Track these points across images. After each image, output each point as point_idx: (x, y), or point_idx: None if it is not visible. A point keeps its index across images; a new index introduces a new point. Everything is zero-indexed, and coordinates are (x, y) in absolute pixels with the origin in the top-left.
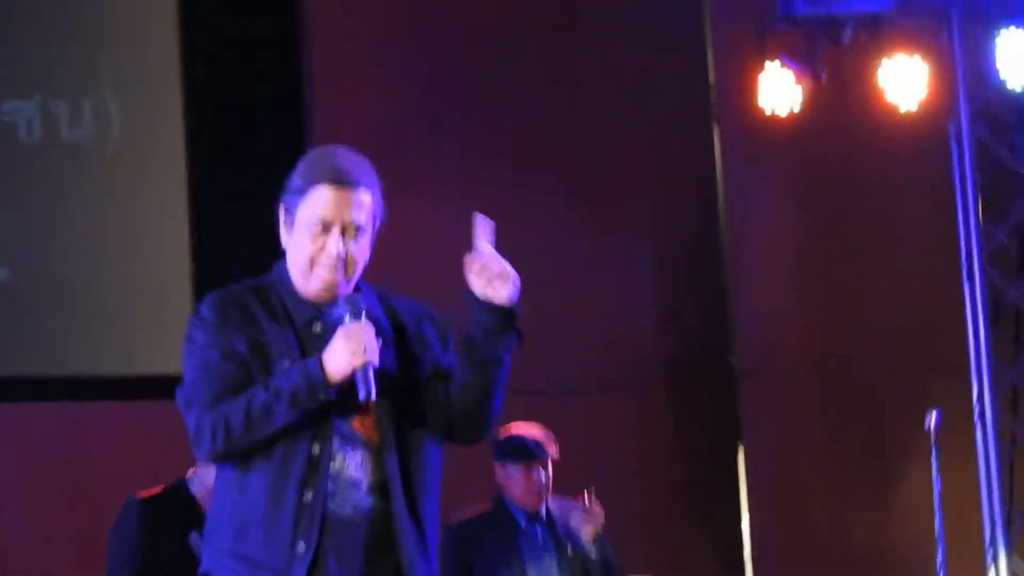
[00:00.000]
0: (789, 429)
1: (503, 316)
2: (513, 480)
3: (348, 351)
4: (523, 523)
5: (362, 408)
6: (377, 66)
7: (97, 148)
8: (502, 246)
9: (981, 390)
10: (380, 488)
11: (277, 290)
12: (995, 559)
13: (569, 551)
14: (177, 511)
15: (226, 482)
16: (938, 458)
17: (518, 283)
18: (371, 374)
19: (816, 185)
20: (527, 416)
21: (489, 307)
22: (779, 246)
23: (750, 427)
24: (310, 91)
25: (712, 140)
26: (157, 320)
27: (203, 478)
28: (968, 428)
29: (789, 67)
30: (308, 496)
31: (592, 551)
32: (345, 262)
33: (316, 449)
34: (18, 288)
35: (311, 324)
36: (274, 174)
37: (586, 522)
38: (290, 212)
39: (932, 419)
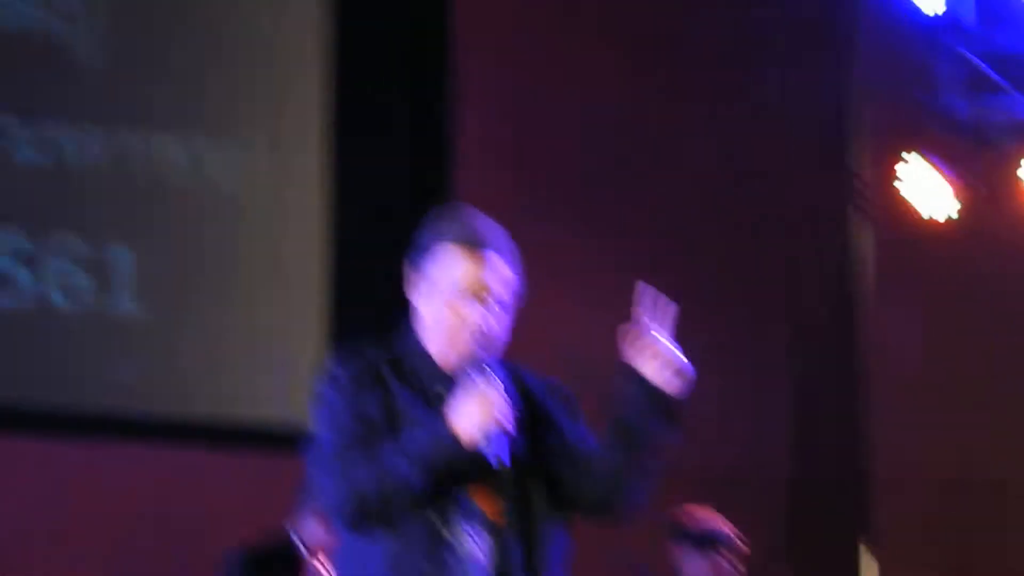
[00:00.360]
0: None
1: (660, 398)
2: (698, 567)
3: (476, 410)
4: None
5: (489, 482)
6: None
7: (240, 192)
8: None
9: None
10: (502, 570)
11: (411, 358)
12: None
13: None
14: (280, 566)
15: (346, 548)
16: None
17: (690, 375)
18: (504, 441)
19: (971, 294)
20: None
21: (645, 384)
22: (918, 353)
23: (878, 544)
24: (453, 153)
25: (853, 242)
26: (281, 374)
27: (305, 533)
28: None
29: (945, 169)
30: (429, 571)
31: None
32: (492, 324)
33: (440, 523)
34: (149, 327)
35: (439, 391)
36: (413, 228)
37: None
38: (423, 271)
39: None
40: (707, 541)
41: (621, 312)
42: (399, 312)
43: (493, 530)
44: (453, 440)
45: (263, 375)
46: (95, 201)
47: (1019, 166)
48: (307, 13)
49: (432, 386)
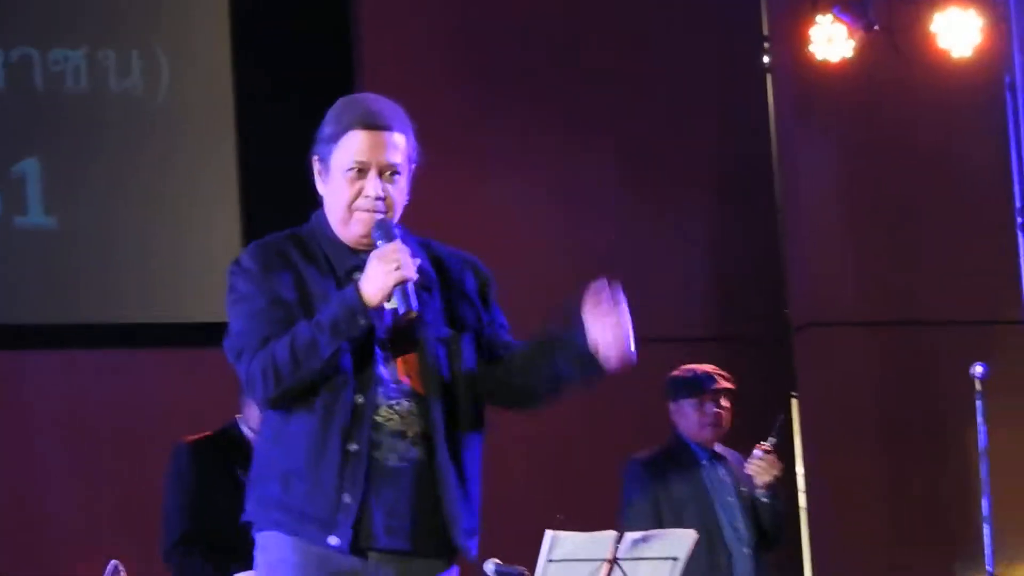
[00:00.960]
0: (843, 383)
1: (593, 365)
2: (687, 415)
3: (383, 270)
4: (704, 460)
5: (406, 350)
6: (430, 27)
7: (146, 98)
8: (559, 210)
9: None
10: (425, 439)
11: (317, 239)
12: None
13: (744, 491)
14: (228, 452)
15: (269, 434)
16: (984, 410)
17: (631, 363)
18: (411, 288)
19: (869, 135)
20: None
21: (585, 347)
22: (832, 197)
23: (804, 382)
24: (359, 41)
25: (766, 92)
26: (206, 268)
27: (251, 419)
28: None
29: (841, 19)
30: (352, 446)
31: (763, 496)
32: (384, 204)
33: (360, 399)
34: (66, 236)
35: (352, 273)
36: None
37: (762, 469)
38: (324, 161)
39: (977, 371)
40: (696, 385)
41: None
42: (314, 206)
43: (413, 397)
44: (359, 299)
45: (181, 276)
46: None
47: (919, 8)
48: None
49: (342, 266)
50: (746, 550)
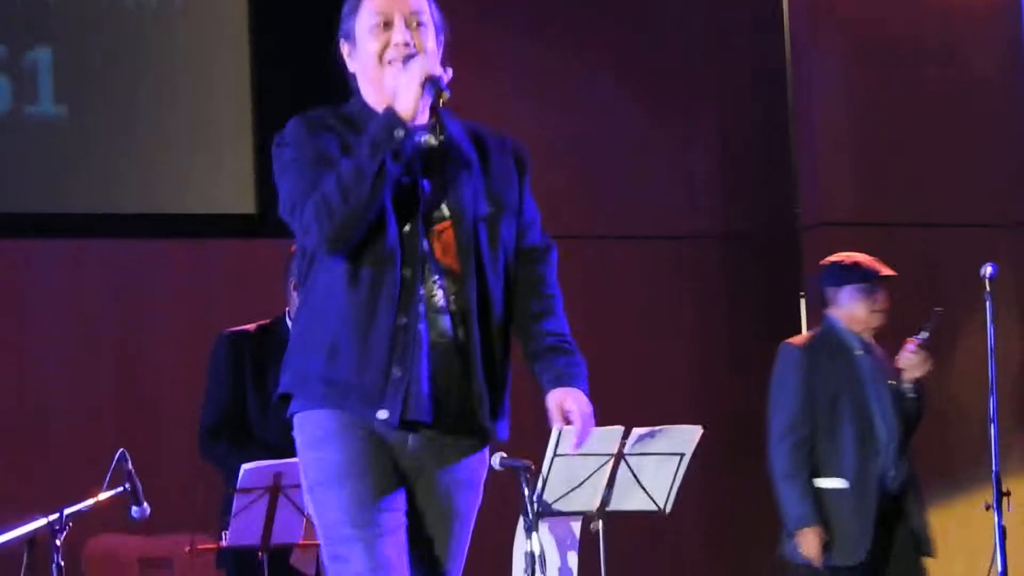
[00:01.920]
0: None
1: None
2: (854, 301)
3: (407, 78)
4: (859, 348)
5: (447, 233)
6: None
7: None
8: (566, 115)
9: None
10: (462, 316)
11: (356, 113)
12: None
13: (892, 383)
14: (266, 347)
15: (309, 308)
16: (992, 309)
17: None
18: (438, 78)
19: (878, 42)
20: (601, 261)
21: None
22: (842, 101)
23: (812, 281)
24: None
25: (781, 8)
26: (213, 162)
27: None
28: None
29: None
30: (403, 320)
31: (909, 390)
32: (415, 48)
33: (407, 272)
34: (75, 126)
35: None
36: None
37: (914, 364)
38: (348, 36)
39: (987, 271)
40: (867, 272)
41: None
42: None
43: (453, 277)
44: (393, 113)
45: (196, 168)
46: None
47: None
48: None
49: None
50: (892, 441)
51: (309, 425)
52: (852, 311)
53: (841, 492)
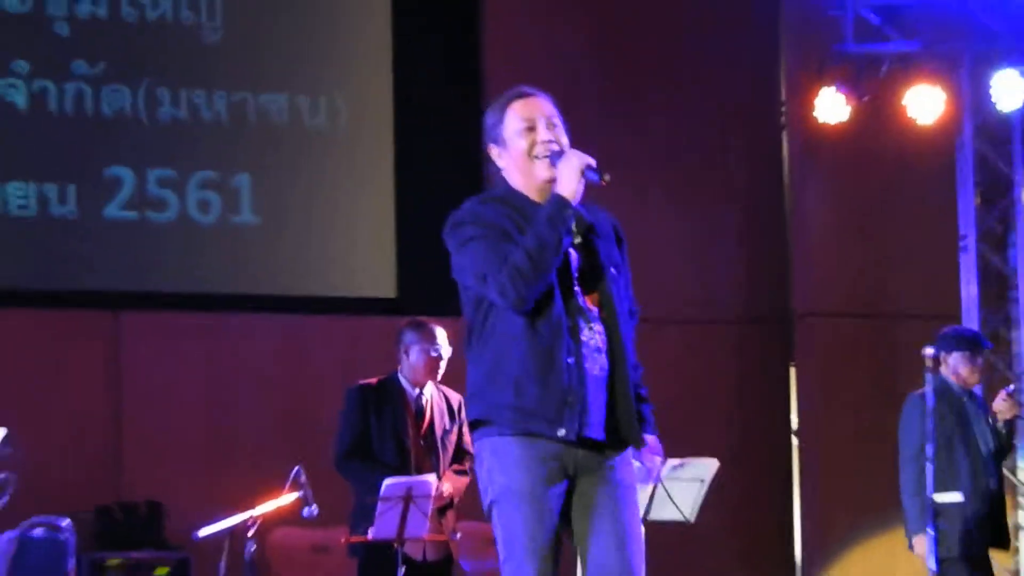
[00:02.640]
0: (830, 359)
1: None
2: (959, 365)
3: (567, 168)
4: (965, 397)
5: (597, 289)
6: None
7: (329, 133)
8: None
9: None
10: (611, 354)
11: (512, 199)
12: None
13: (991, 422)
14: (386, 395)
15: (495, 350)
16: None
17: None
18: (594, 166)
19: (857, 177)
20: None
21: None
22: (827, 221)
23: (801, 358)
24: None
25: (781, 142)
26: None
27: (406, 371)
28: None
29: (841, 91)
30: (572, 360)
31: (1002, 427)
32: (559, 146)
33: (571, 322)
34: (266, 232)
35: None
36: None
37: (1006, 408)
38: (496, 140)
39: (928, 351)
40: (974, 343)
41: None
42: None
43: (603, 325)
44: (561, 197)
45: (352, 260)
46: (222, 143)
47: (898, 84)
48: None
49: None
50: (991, 465)
51: (501, 451)
52: (958, 371)
53: (958, 504)
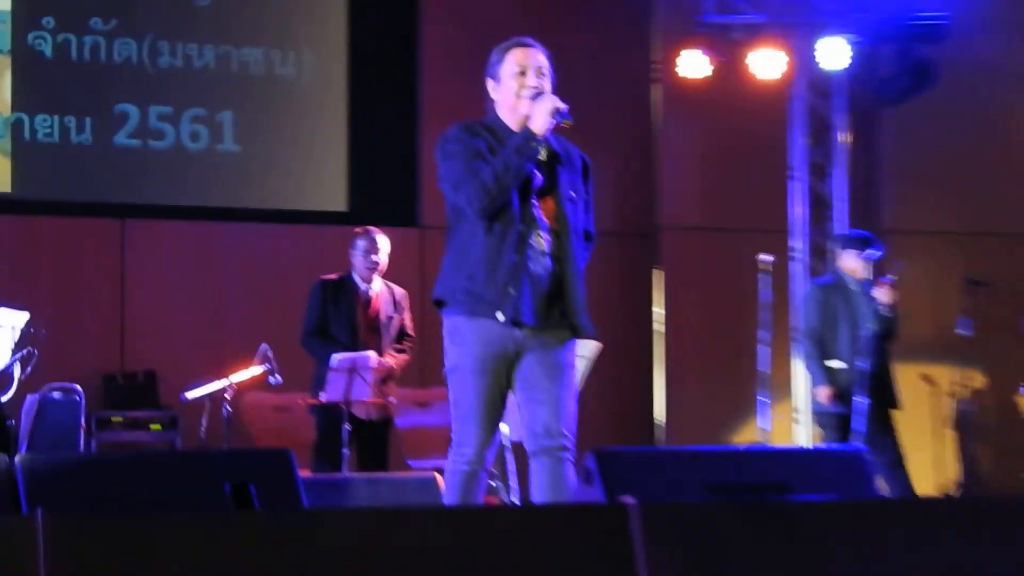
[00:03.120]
0: (692, 264)
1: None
2: (850, 259)
3: (541, 107)
4: (853, 286)
5: (549, 201)
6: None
7: (295, 80)
8: None
9: (800, 244)
10: (556, 258)
11: (498, 128)
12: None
13: (873, 306)
14: (343, 290)
15: (460, 243)
16: (768, 283)
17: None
18: (563, 110)
19: (715, 123)
20: None
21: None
22: (689, 157)
23: (666, 266)
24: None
25: (651, 91)
26: (322, 180)
27: (359, 269)
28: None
29: (704, 53)
30: (516, 258)
31: (887, 312)
32: (540, 88)
33: (523, 228)
34: (244, 158)
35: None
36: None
37: (886, 294)
38: (494, 76)
39: (765, 257)
40: (862, 241)
41: None
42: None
43: (552, 232)
44: (530, 131)
45: (312, 180)
46: (209, 86)
47: (748, 47)
48: None
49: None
50: (872, 342)
51: (456, 330)
52: (848, 266)
53: (842, 369)
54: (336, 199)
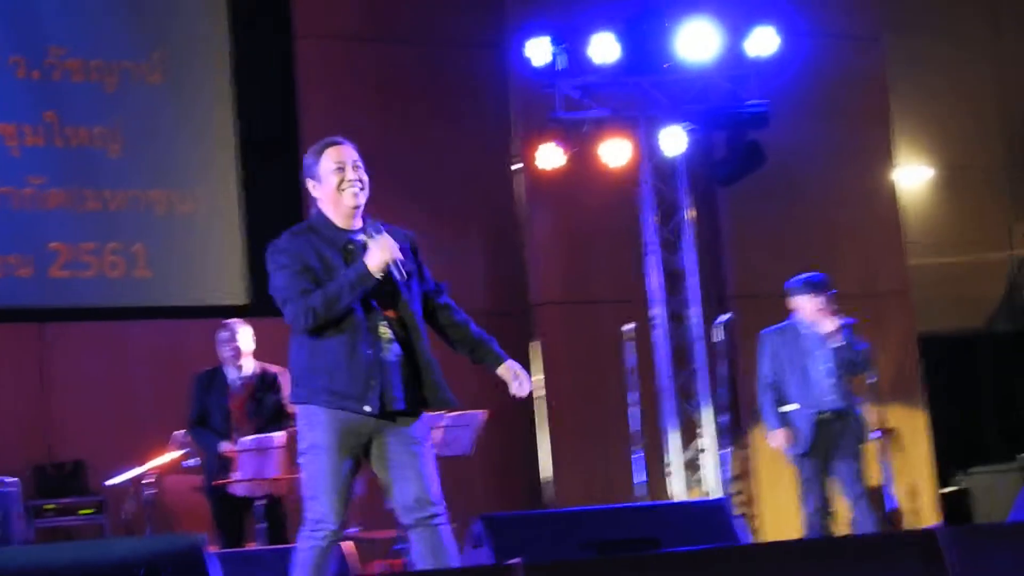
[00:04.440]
0: (561, 336)
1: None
2: (804, 303)
3: (379, 254)
4: (805, 330)
5: (394, 302)
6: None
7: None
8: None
9: (659, 311)
10: (404, 342)
11: (320, 226)
12: (666, 401)
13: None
14: (216, 381)
15: (305, 350)
16: (633, 348)
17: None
18: (399, 264)
19: (571, 204)
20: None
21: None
22: (551, 234)
23: (540, 339)
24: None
25: (514, 181)
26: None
27: (227, 362)
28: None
29: (558, 145)
30: (371, 352)
31: (846, 351)
32: (360, 182)
33: (369, 322)
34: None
35: (346, 245)
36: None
37: (833, 333)
38: (314, 176)
39: (628, 326)
40: (816, 286)
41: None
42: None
43: (396, 320)
44: (367, 270)
45: (215, 279)
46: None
47: (596, 138)
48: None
49: (340, 241)
50: (830, 380)
51: (314, 414)
52: (804, 312)
53: (795, 411)
54: (236, 293)
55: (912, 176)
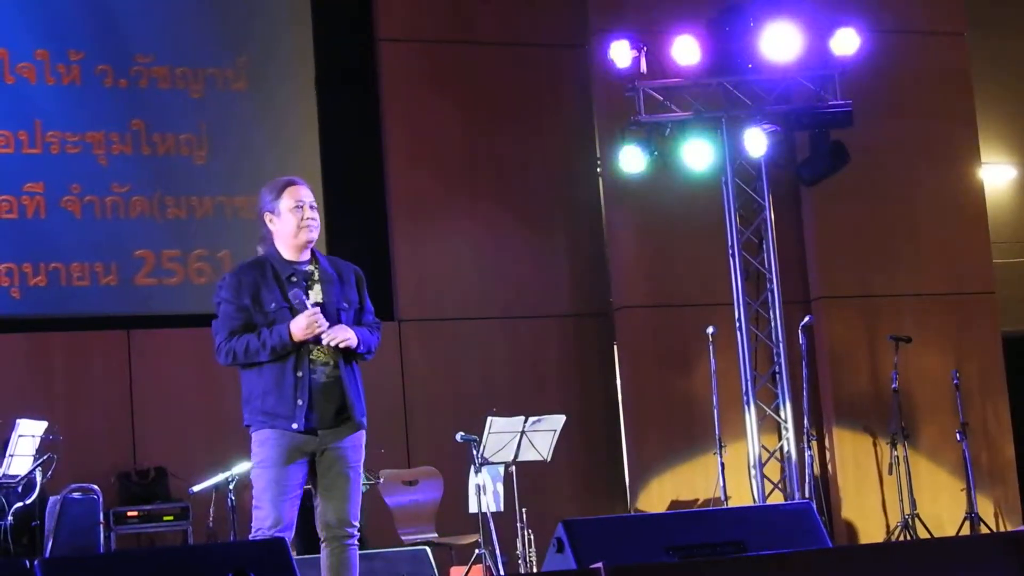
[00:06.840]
0: (644, 339)
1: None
2: None
3: (306, 328)
4: None
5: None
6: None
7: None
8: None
9: (740, 314)
10: (336, 366)
11: (270, 261)
12: (748, 404)
13: None
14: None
15: (250, 375)
16: (715, 351)
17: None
18: (322, 337)
19: (653, 206)
20: (497, 334)
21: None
22: (632, 240)
23: (621, 341)
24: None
25: (599, 187)
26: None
27: None
28: (733, 334)
29: (639, 149)
30: (300, 374)
31: None
32: (315, 220)
33: (303, 351)
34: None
35: (290, 277)
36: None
37: None
38: (273, 211)
39: (710, 329)
40: None
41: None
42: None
43: (333, 351)
44: (290, 337)
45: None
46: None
47: (678, 141)
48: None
49: (285, 273)
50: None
51: (260, 438)
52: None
53: None
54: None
55: (996, 175)
